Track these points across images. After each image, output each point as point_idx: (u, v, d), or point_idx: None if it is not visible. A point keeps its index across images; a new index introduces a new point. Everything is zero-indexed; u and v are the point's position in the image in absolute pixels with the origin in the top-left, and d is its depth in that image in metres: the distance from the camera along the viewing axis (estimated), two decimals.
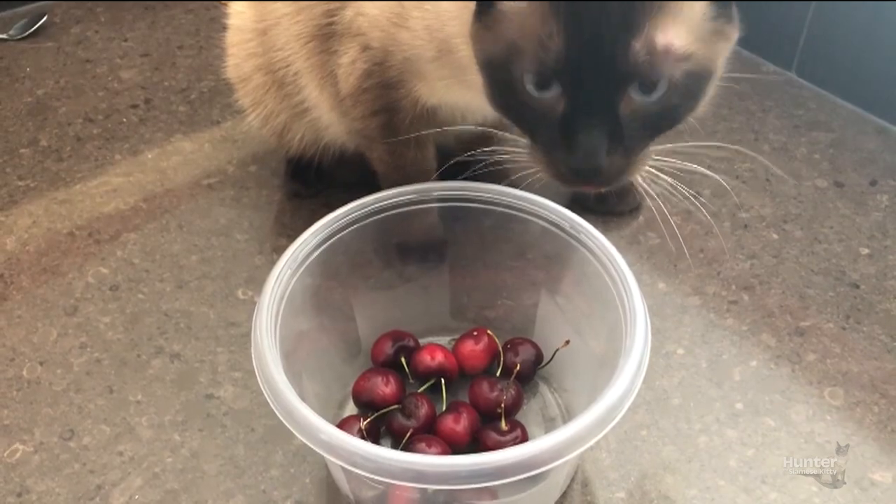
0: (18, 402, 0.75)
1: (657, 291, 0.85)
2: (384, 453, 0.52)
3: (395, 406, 0.69)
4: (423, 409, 0.69)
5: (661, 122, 0.60)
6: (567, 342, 0.71)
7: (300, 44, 0.79)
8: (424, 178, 0.77)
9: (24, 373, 0.78)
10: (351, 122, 0.80)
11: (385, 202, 0.72)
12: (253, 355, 0.60)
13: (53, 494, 0.68)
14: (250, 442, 0.72)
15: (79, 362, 0.79)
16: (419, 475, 0.52)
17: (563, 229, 0.69)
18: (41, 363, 0.79)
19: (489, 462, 0.52)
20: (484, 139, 0.79)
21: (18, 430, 0.73)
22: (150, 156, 1.05)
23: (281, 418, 0.56)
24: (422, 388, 0.72)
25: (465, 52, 0.65)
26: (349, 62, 0.74)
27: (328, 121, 0.85)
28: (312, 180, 0.96)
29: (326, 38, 0.76)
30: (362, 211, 0.71)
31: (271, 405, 0.57)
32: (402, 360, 0.73)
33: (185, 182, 1.00)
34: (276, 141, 0.92)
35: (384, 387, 0.70)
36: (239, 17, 0.88)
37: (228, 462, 0.70)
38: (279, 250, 0.67)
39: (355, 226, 0.71)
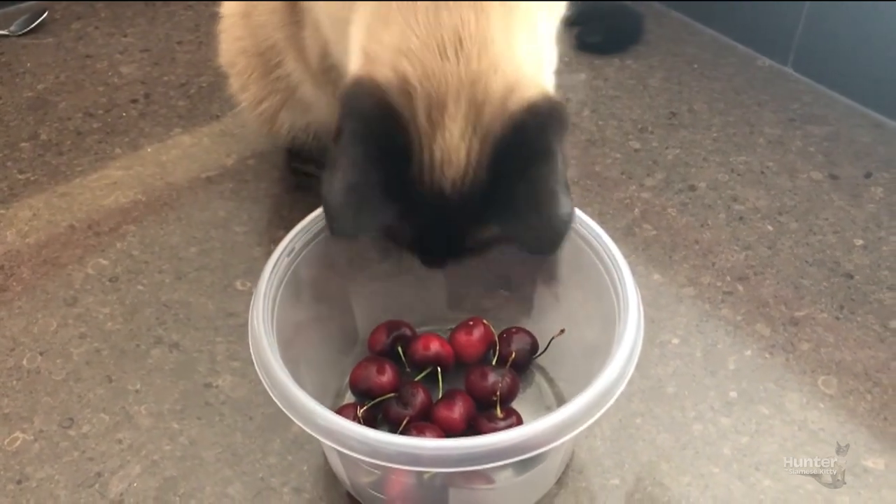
0: (19, 392, 0.76)
1: (652, 282, 0.86)
2: (379, 436, 0.53)
3: (392, 394, 0.70)
4: (420, 398, 0.69)
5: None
6: (562, 331, 0.72)
7: (276, 15, 0.79)
8: None
9: (25, 362, 0.79)
10: (327, 96, 0.80)
11: None
12: (250, 341, 0.60)
13: (53, 482, 0.69)
14: (248, 430, 0.72)
15: (78, 352, 0.80)
16: (413, 458, 0.52)
17: None
18: (41, 353, 0.80)
19: (483, 445, 0.52)
20: None
21: (18, 419, 0.74)
22: (149, 150, 1.05)
23: (278, 403, 0.56)
24: (418, 377, 0.73)
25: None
26: (309, 35, 0.74)
27: (311, 98, 0.85)
28: (312, 172, 0.96)
29: (292, 8, 0.76)
30: None
31: (268, 390, 0.57)
32: (399, 349, 0.74)
33: (185, 175, 1.01)
34: (266, 129, 0.92)
35: (381, 375, 0.70)
36: (228, 4, 0.89)
37: (226, 450, 0.71)
38: (277, 242, 0.68)
39: None
